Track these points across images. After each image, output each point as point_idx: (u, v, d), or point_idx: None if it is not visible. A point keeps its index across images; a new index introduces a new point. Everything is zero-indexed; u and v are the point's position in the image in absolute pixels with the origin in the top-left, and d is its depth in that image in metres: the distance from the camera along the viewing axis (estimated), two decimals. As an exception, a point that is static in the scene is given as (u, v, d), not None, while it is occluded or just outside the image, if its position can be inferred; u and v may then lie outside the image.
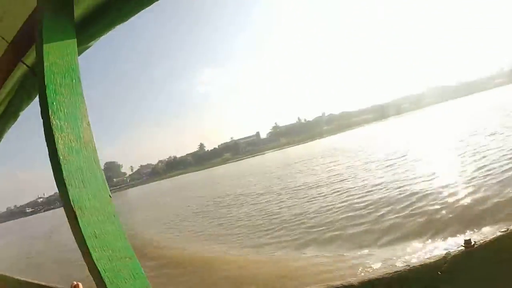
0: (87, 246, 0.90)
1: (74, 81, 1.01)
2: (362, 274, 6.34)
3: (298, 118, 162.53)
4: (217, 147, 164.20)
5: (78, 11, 1.10)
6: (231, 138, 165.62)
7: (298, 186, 19.01)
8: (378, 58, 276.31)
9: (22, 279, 2.69)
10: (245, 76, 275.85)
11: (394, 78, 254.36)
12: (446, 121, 35.40)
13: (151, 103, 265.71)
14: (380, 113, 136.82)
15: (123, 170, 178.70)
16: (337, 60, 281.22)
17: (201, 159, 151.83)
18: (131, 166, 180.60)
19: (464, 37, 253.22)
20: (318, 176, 20.32)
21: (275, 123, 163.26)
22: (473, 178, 9.87)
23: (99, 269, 0.89)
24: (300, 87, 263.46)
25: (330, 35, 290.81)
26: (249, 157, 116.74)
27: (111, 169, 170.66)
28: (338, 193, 13.90)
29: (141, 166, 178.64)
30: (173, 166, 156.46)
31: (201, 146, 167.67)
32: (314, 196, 15.01)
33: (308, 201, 14.18)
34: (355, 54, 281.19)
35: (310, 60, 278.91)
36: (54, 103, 0.95)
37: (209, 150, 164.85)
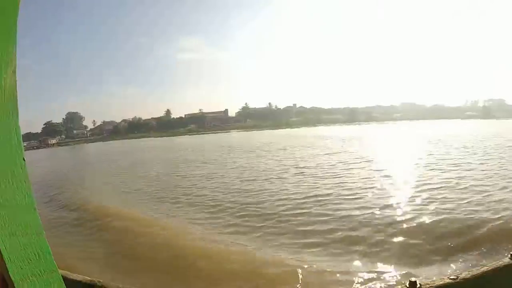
0: None
1: (7, 16, 0.88)
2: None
3: (269, 104, 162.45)
4: (183, 116, 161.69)
5: None
6: (200, 109, 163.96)
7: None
8: (361, 63, 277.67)
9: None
10: (226, 50, 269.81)
11: (372, 86, 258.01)
12: (392, 141, 35.66)
13: (128, 61, 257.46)
14: (349, 116, 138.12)
15: (84, 123, 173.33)
16: (321, 57, 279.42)
17: (165, 125, 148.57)
18: (94, 120, 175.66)
19: (450, 65, 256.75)
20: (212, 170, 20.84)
21: (246, 103, 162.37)
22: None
23: None
24: (278, 74, 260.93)
25: (318, 33, 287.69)
26: (212, 133, 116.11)
27: (72, 120, 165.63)
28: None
29: (103, 122, 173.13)
30: (135, 128, 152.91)
31: (168, 112, 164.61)
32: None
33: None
34: (339, 55, 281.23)
35: (294, 51, 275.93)
36: None
37: (175, 118, 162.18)
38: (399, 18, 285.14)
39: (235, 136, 78.16)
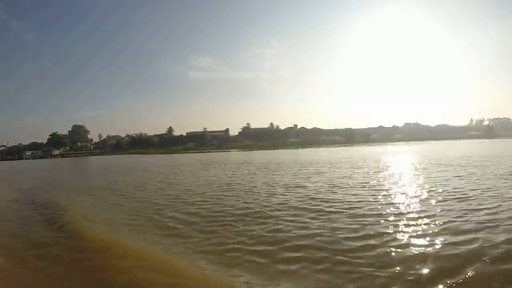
0: None
1: None
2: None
3: (271, 124, 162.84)
4: (184, 134, 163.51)
5: None
6: (204, 128, 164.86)
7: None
8: (365, 84, 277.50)
9: None
10: (238, 70, 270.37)
11: (375, 107, 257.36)
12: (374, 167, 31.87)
13: (142, 78, 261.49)
14: (348, 137, 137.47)
15: (90, 136, 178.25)
16: (326, 78, 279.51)
17: (165, 143, 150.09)
18: (99, 134, 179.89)
19: (457, 84, 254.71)
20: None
21: (247, 124, 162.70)
22: None
23: None
24: (284, 95, 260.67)
25: (323, 55, 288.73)
26: (209, 151, 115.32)
27: (78, 132, 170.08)
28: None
29: (108, 136, 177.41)
30: (137, 143, 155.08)
31: (170, 130, 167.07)
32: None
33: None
34: (344, 76, 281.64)
35: (302, 73, 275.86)
36: None
37: (177, 135, 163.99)
38: (404, 37, 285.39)
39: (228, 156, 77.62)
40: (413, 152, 53.95)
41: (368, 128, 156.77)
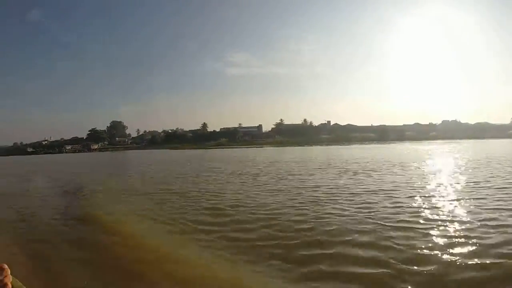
0: None
1: None
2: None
3: (305, 120, 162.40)
4: (218, 130, 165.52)
5: None
6: (239, 124, 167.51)
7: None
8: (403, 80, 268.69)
9: None
10: (273, 66, 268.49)
11: (412, 105, 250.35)
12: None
13: (183, 74, 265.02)
14: (381, 134, 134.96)
15: (128, 131, 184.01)
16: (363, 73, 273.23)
17: (199, 138, 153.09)
18: (137, 129, 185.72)
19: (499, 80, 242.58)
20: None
21: (281, 120, 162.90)
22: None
23: None
24: (319, 91, 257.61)
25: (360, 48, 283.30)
26: (242, 147, 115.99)
27: (116, 127, 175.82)
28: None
29: (145, 132, 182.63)
30: (171, 139, 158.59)
31: (204, 125, 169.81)
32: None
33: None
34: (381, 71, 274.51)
35: (337, 69, 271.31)
36: None
37: (210, 131, 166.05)
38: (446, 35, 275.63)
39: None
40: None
41: (404, 125, 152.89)
